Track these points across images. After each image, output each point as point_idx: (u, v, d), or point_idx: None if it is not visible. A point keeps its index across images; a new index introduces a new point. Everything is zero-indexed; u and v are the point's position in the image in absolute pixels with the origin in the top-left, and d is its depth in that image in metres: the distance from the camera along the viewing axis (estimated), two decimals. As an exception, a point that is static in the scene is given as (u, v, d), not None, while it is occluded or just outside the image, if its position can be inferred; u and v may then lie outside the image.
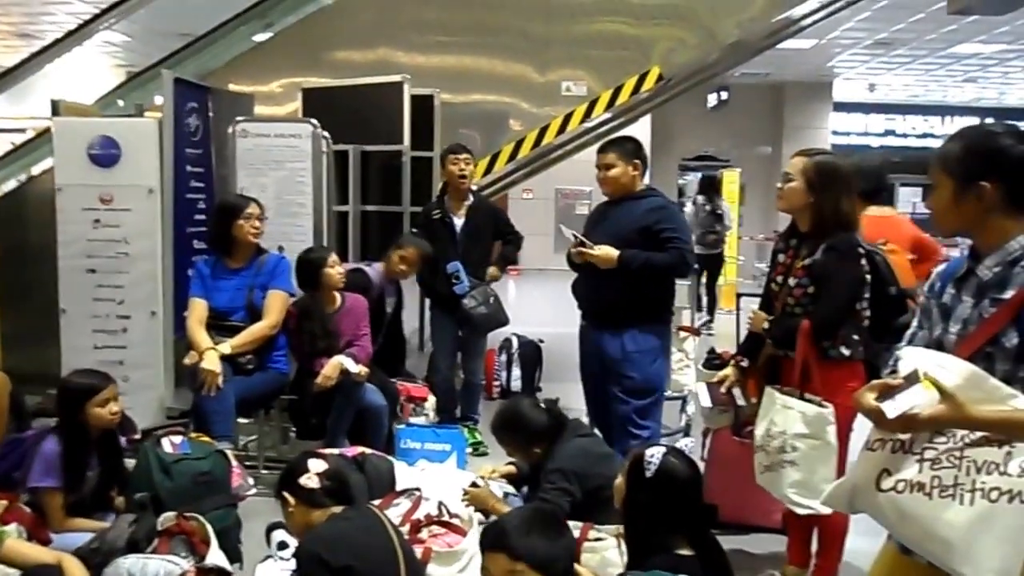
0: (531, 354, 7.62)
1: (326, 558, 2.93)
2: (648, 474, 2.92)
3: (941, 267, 2.47)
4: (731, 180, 12.30)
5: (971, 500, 2.07)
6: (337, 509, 3.27)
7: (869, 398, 2.15)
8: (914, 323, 2.49)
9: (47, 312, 5.65)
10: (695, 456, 4.76)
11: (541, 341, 7.77)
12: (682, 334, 7.15)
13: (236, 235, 5.17)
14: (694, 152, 19.31)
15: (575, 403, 6.56)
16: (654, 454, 2.97)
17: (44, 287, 5.65)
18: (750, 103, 19.21)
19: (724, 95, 16.27)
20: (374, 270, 5.78)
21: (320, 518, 3.22)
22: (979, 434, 2.09)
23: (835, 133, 20.76)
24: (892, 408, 2.08)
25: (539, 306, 14.54)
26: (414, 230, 6.20)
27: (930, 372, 2.09)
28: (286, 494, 3.33)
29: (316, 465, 3.41)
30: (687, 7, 7.12)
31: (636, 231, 4.62)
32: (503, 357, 7.58)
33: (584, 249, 4.63)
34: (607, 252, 4.58)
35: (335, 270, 5.26)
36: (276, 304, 5.17)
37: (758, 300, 4.11)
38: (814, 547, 4.03)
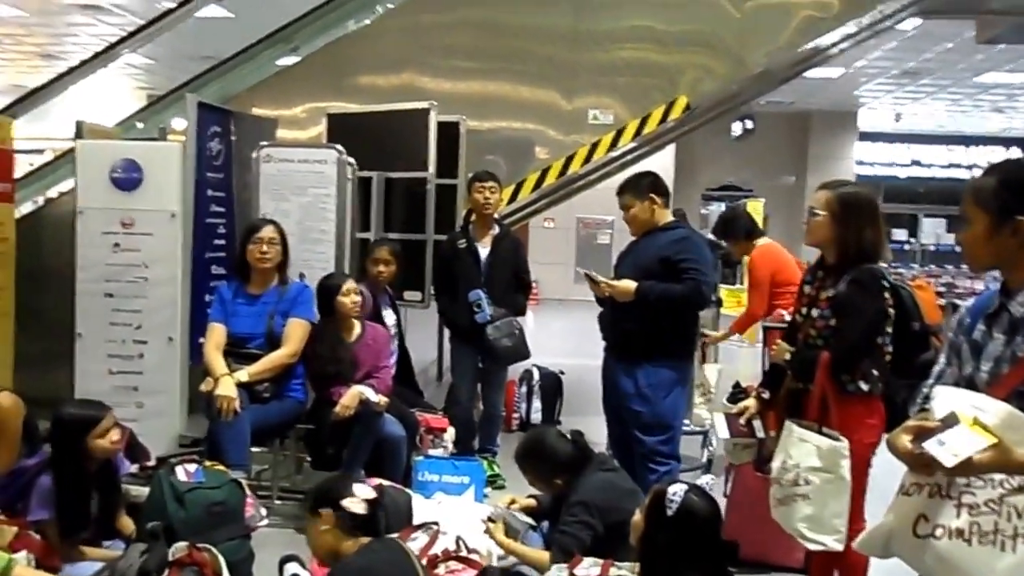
0: (551, 386, 7.54)
1: None
2: (669, 512, 2.86)
3: (970, 302, 2.42)
4: (755, 210, 12.13)
5: (1012, 547, 2.03)
6: (364, 540, 3.22)
7: (905, 441, 2.10)
8: (941, 359, 2.44)
9: (62, 335, 5.58)
10: (717, 492, 4.70)
11: (562, 373, 7.68)
12: (706, 367, 7.06)
13: (248, 259, 5.14)
14: (718, 182, 19.26)
15: (597, 436, 6.46)
16: (676, 492, 2.91)
17: (60, 310, 5.59)
18: (775, 132, 19.17)
19: (749, 124, 16.23)
20: (363, 287, 5.66)
21: (350, 548, 3.19)
22: (1019, 479, 2.04)
23: (860, 163, 20.72)
24: (949, 456, 2.00)
25: (559, 337, 14.47)
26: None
27: (967, 413, 2.03)
28: (325, 512, 3.23)
29: (363, 491, 3.38)
30: (715, 36, 7.10)
31: (657, 262, 4.68)
32: (523, 389, 7.50)
33: (603, 282, 4.70)
34: (625, 285, 4.65)
35: (349, 299, 5.16)
36: (296, 332, 5.10)
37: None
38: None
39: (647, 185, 4.80)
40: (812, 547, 3.55)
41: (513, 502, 4.31)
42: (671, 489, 2.93)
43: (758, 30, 7.04)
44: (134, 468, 4.34)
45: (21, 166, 8.39)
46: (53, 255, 5.82)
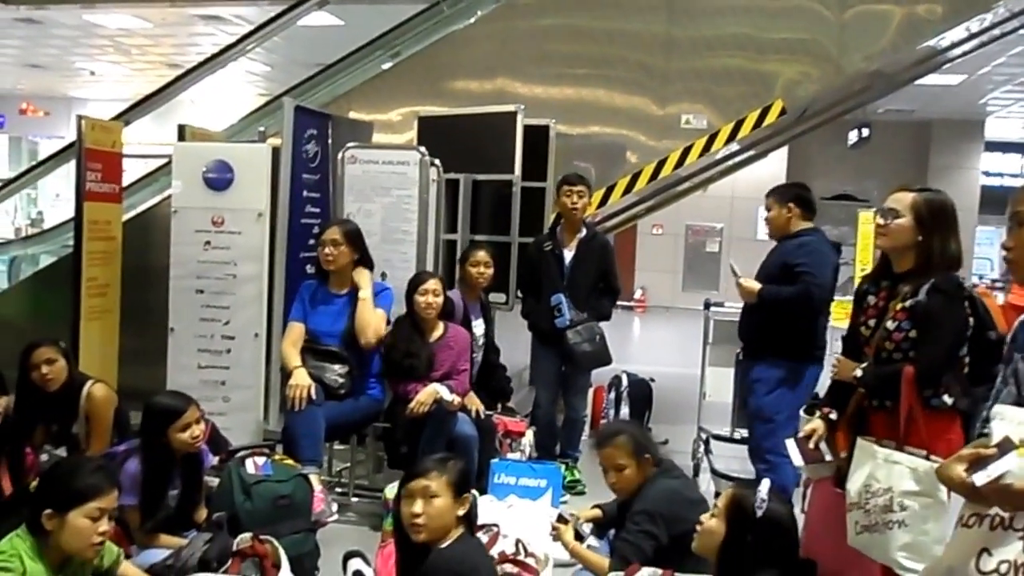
0: (641, 393, 7.40)
1: None
2: (758, 513, 2.79)
3: None
4: (866, 220, 11.80)
5: None
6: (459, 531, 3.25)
7: (958, 470, 1.96)
8: (999, 379, 2.26)
9: (163, 331, 5.77)
10: (796, 508, 4.56)
11: (652, 380, 7.57)
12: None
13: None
14: (834, 191, 18.76)
15: (683, 446, 6.40)
16: (764, 494, 2.85)
17: (162, 307, 5.78)
18: (894, 141, 18.60)
19: (865, 132, 15.71)
20: (454, 294, 5.67)
21: (453, 534, 3.19)
22: None
23: (987, 174, 19.86)
24: (983, 476, 1.88)
25: (660, 344, 14.32)
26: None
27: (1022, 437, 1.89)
28: (468, 496, 3.26)
29: None
30: (812, 40, 6.97)
31: (780, 266, 5.01)
32: (611, 395, 7.39)
33: (736, 275, 5.08)
34: (750, 285, 5.00)
35: (424, 299, 5.16)
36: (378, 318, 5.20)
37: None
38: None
39: (791, 195, 5.11)
40: None
41: (576, 517, 4.26)
42: (760, 490, 2.89)
43: (856, 35, 6.90)
44: (216, 461, 4.45)
45: (144, 168, 8.81)
46: (158, 254, 6.01)
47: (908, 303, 3.42)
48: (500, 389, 6.04)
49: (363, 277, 5.21)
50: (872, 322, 3.57)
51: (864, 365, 3.56)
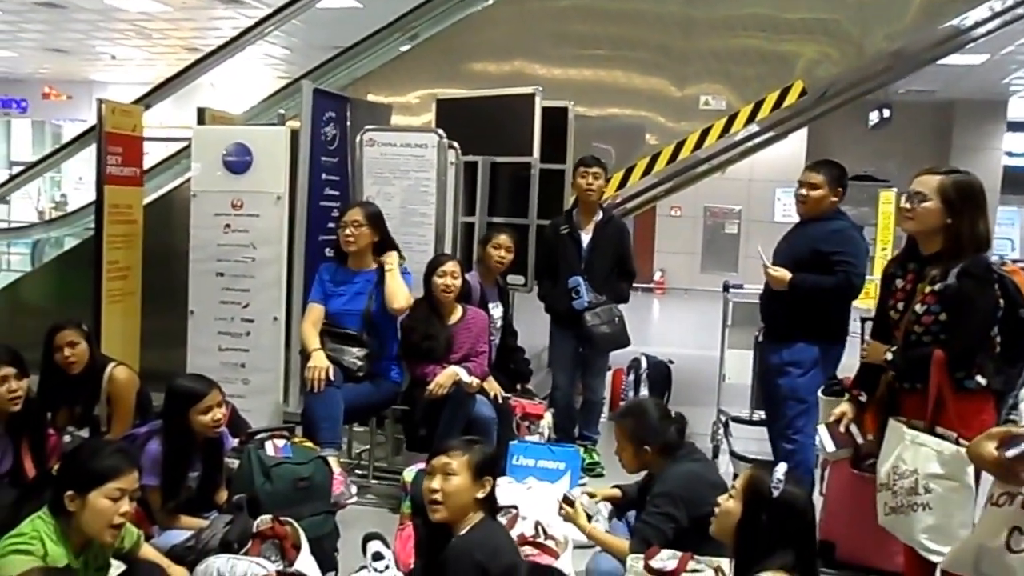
0: (660, 375, 7.40)
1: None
2: (775, 493, 2.80)
3: None
4: (886, 201, 11.77)
5: None
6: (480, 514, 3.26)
7: (990, 447, 1.95)
8: None
9: (183, 314, 5.79)
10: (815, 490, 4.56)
11: (671, 362, 7.57)
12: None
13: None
14: (854, 171, 18.65)
15: (702, 428, 6.40)
16: (780, 474, 2.85)
17: (182, 290, 5.80)
18: (916, 122, 18.46)
19: (886, 113, 15.60)
20: (472, 277, 5.68)
21: (473, 518, 3.22)
22: None
23: (1009, 154, 19.69)
24: (1015, 450, 1.89)
25: (679, 326, 14.28)
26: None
27: None
28: (488, 480, 3.27)
29: None
30: (832, 21, 6.91)
31: (810, 252, 4.77)
32: (631, 377, 7.39)
33: (764, 264, 4.88)
34: (781, 274, 4.77)
35: (443, 281, 5.18)
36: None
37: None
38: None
39: (839, 177, 4.86)
40: (936, 559, 3.31)
41: (595, 497, 4.26)
42: (777, 470, 2.87)
43: (877, 15, 6.81)
44: (236, 443, 4.48)
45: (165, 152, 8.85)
46: (179, 237, 6.04)
47: (937, 287, 3.43)
48: (518, 371, 6.06)
49: (390, 257, 5.22)
50: (900, 305, 3.58)
51: (894, 348, 3.57)
